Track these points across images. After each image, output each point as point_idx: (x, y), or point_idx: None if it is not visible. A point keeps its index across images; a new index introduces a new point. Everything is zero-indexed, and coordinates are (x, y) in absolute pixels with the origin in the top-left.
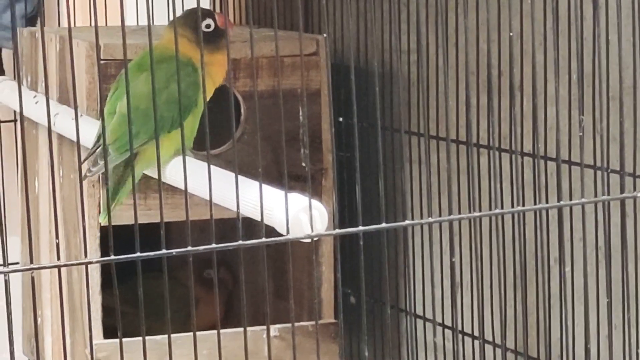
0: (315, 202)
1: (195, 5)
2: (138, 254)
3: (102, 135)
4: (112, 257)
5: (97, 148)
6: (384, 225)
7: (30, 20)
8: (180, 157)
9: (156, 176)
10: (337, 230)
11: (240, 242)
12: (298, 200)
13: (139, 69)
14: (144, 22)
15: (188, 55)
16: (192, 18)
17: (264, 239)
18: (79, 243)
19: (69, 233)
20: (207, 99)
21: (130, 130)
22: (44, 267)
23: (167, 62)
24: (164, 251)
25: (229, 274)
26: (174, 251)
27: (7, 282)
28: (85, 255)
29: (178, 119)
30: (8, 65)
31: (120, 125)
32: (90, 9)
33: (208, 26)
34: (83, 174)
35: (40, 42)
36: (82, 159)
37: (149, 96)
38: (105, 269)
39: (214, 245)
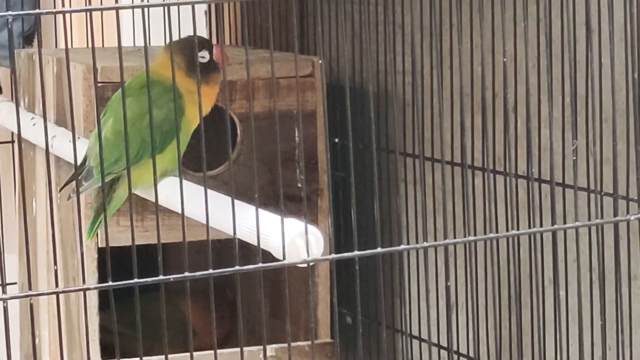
0: (311, 227)
1: (192, 27)
2: (136, 280)
3: (96, 156)
4: (110, 283)
5: (83, 170)
6: (379, 250)
7: (27, 39)
8: (170, 179)
9: (147, 197)
10: (333, 255)
11: (237, 267)
12: (294, 225)
13: (125, 93)
14: (140, 42)
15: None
16: (188, 46)
17: (260, 265)
18: (76, 264)
19: (67, 254)
20: (194, 128)
21: (102, 155)
22: (43, 294)
23: (152, 86)
24: (161, 277)
25: (234, 293)
26: (171, 277)
27: (5, 309)
28: (84, 281)
29: (160, 144)
30: (5, 83)
31: (104, 149)
32: (87, 30)
33: (203, 57)
34: (68, 194)
35: (38, 64)
36: (67, 180)
37: (130, 121)
38: (102, 291)
39: (210, 271)
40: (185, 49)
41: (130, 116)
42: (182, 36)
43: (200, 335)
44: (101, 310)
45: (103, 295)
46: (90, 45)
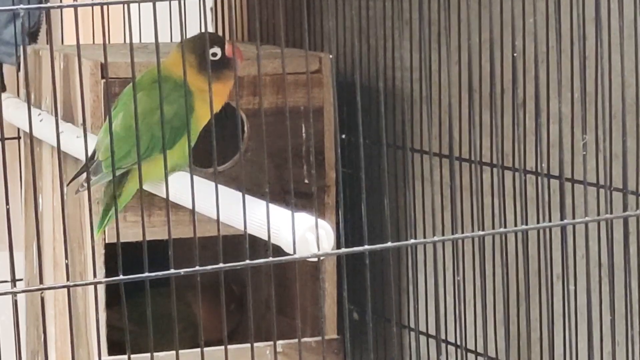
0: (321, 222)
1: (199, 23)
2: (147, 273)
3: (111, 151)
4: (121, 277)
5: (92, 164)
6: (389, 244)
7: (31, 36)
8: (178, 174)
9: (155, 192)
10: (344, 250)
11: (248, 261)
12: (304, 219)
13: (136, 88)
14: (146, 39)
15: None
16: (200, 43)
17: (271, 259)
18: (83, 260)
19: (73, 250)
20: (204, 125)
21: (112, 149)
22: (53, 288)
23: (163, 82)
24: (172, 271)
25: (240, 289)
26: (182, 271)
27: (15, 303)
28: (94, 275)
29: (170, 140)
30: (9, 80)
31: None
32: (94, 26)
33: (214, 54)
34: (75, 189)
35: (44, 59)
36: (75, 173)
37: (140, 116)
38: (110, 286)
39: (221, 265)
40: (197, 46)
41: (141, 111)
42: (188, 32)
43: (207, 330)
44: (107, 307)
45: (108, 292)
46: (94, 41)
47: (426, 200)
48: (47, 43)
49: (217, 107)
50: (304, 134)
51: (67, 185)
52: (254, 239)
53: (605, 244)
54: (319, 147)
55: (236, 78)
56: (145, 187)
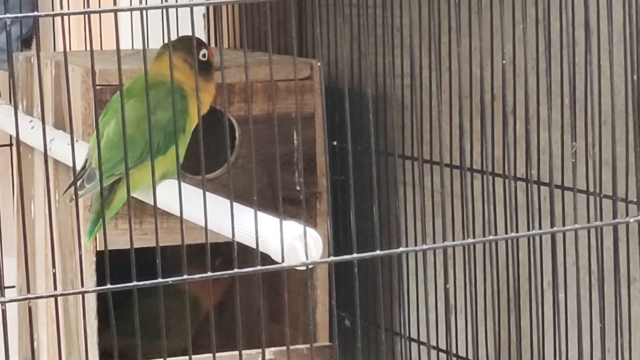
0: (310, 230)
1: (190, 30)
2: (135, 282)
3: (97, 159)
4: (109, 286)
5: (85, 172)
6: (378, 252)
7: (25, 43)
8: (169, 182)
9: (146, 200)
10: (332, 258)
11: (236, 270)
12: (293, 228)
13: (127, 94)
14: (138, 45)
15: (178, 81)
16: (184, 45)
17: (259, 267)
18: (74, 267)
19: (65, 257)
20: (194, 126)
21: (100, 156)
22: (41, 297)
23: (156, 88)
24: (160, 280)
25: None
26: (169, 280)
27: (4, 312)
28: (82, 284)
29: (164, 145)
30: (2, 86)
31: (105, 151)
32: (86, 33)
33: (204, 55)
34: (70, 197)
35: (36, 67)
36: (69, 182)
37: (134, 122)
38: (101, 294)
39: (209, 274)
40: (183, 49)
41: (135, 117)
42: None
43: (204, 303)
44: (99, 313)
45: (101, 299)
46: (88, 48)
47: (416, 207)
48: (37, 50)
49: (207, 105)
50: (295, 141)
51: (63, 194)
52: (245, 247)
53: (595, 251)
54: (310, 154)
55: (224, 84)
56: (136, 194)
